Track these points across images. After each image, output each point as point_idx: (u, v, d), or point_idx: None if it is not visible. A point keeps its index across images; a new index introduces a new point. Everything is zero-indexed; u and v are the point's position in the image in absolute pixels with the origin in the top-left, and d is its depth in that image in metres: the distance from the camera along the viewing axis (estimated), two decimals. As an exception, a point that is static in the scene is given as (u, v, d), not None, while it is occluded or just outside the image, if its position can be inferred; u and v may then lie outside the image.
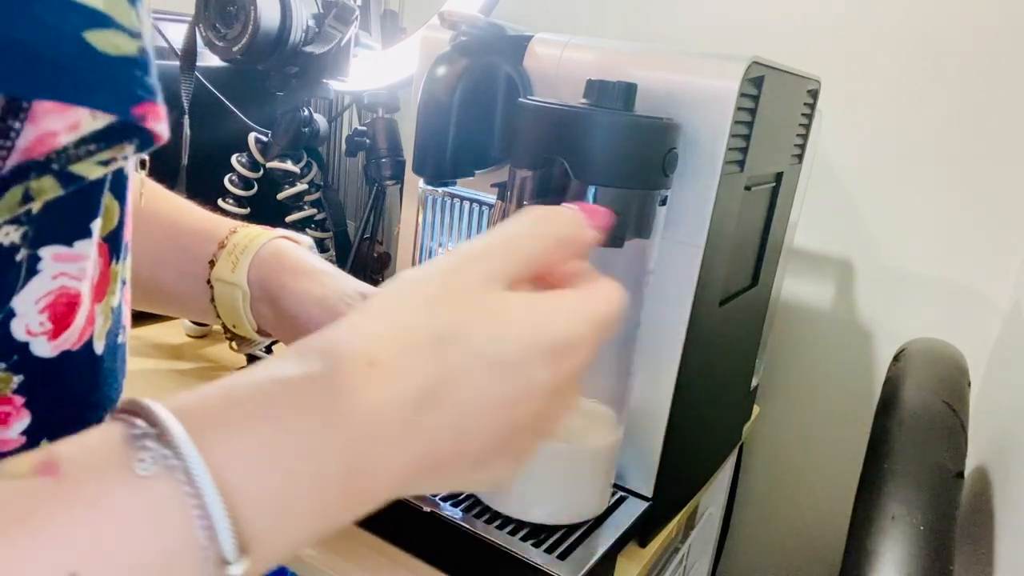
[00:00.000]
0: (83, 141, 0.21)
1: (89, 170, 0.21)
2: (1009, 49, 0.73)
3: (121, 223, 0.28)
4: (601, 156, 0.41)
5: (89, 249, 0.25)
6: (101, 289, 0.27)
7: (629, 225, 0.42)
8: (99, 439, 0.20)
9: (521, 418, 0.26)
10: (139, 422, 0.20)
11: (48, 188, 0.21)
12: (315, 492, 0.22)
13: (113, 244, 0.28)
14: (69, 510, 0.18)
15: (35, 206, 0.22)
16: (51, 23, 0.18)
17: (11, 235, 0.23)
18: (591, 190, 0.41)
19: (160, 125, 0.21)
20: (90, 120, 0.20)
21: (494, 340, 0.25)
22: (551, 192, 0.42)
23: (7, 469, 0.19)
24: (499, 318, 0.26)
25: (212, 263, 0.51)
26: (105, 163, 0.22)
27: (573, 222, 0.30)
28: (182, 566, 0.19)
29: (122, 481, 0.19)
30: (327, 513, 0.23)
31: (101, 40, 0.20)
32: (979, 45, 0.74)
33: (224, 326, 0.53)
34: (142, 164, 0.44)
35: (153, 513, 0.19)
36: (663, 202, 0.45)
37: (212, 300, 0.52)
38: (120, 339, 0.30)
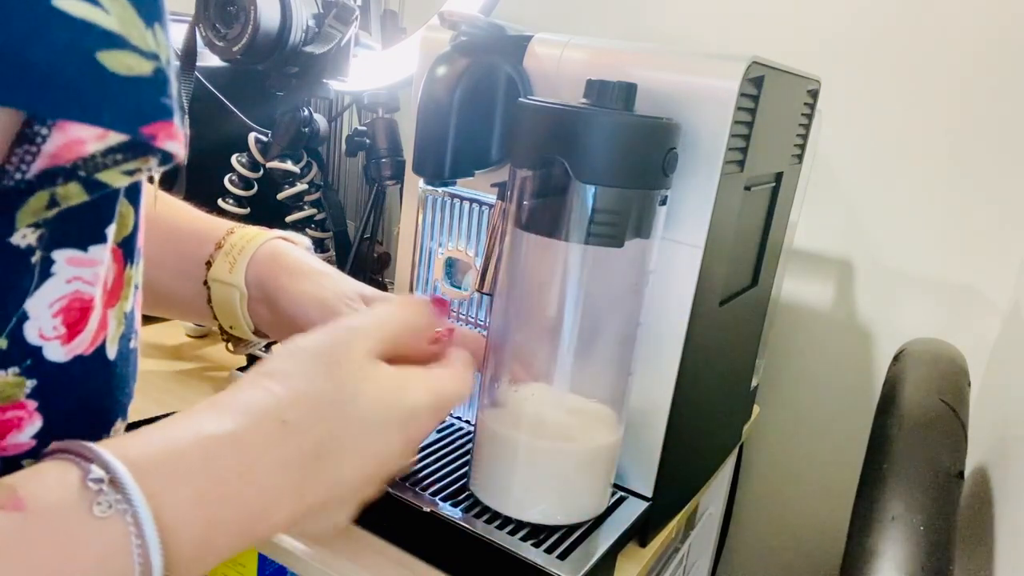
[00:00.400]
0: (111, 150, 0.21)
1: (115, 179, 0.22)
2: (1009, 49, 0.73)
3: (135, 229, 0.28)
4: (601, 156, 0.41)
5: (103, 254, 0.26)
6: (115, 294, 0.27)
7: (629, 225, 0.42)
8: (57, 479, 0.23)
9: (375, 471, 0.33)
10: (93, 468, 0.23)
11: (74, 194, 0.22)
12: (226, 534, 0.27)
13: (127, 249, 0.28)
14: (35, 546, 0.21)
15: (55, 211, 0.23)
16: (64, 42, 0.19)
17: (28, 237, 0.23)
18: (591, 190, 0.41)
19: (173, 144, 0.22)
20: (116, 132, 0.21)
21: (367, 406, 0.32)
22: (551, 192, 0.42)
23: None
24: (371, 388, 0.32)
25: (209, 264, 0.51)
26: (131, 173, 0.22)
27: (424, 313, 0.38)
28: None
29: (82, 522, 0.22)
30: (229, 548, 0.28)
31: (113, 60, 0.20)
32: (979, 45, 0.74)
33: (220, 327, 0.53)
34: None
35: (106, 551, 0.23)
36: (663, 202, 0.45)
37: (209, 301, 0.52)
38: (132, 344, 0.30)
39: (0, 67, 0.18)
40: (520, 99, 0.45)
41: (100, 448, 0.24)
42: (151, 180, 0.43)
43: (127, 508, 0.23)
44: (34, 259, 0.23)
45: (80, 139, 0.21)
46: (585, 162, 0.40)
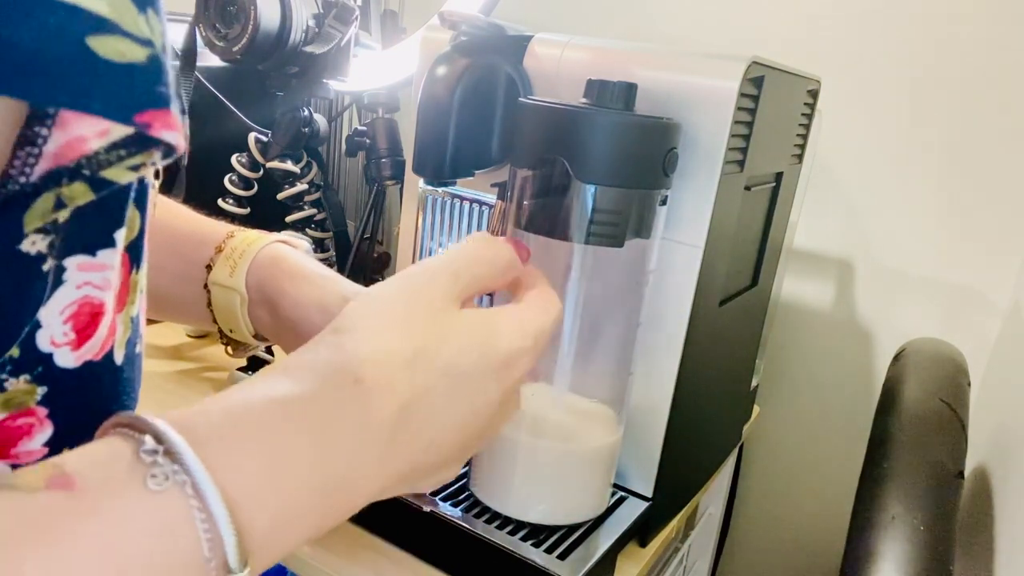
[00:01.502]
0: (114, 146, 0.21)
1: (120, 175, 0.22)
2: (1009, 49, 0.73)
3: (141, 233, 0.28)
4: (601, 156, 0.41)
5: (113, 259, 0.25)
6: (122, 299, 0.27)
7: (629, 225, 0.42)
8: (109, 454, 0.21)
9: (476, 426, 0.31)
10: (147, 439, 0.22)
11: (79, 194, 0.21)
12: (304, 505, 0.24)
13: (134, 254, 0.28)
14: (87, 524, 0.19)
15: (64, 214, 0.22)
16: (52, 27, 0.18)
17: (38, 244, 0.22)
18: (591, 190, 0.41)
19: (170, 133, 0.21)
20: (119, 126, 0.21)
21: (455, 357, 0.29)
22: (551, 192, 0.42)
23: (19, 481, 0.20)
24: (458, 337, 0.30)
25: (209, 267, 0.51)
26: (136, 168, 0.22)
27: (508, 251, 0.35)
28: (193, 573, 0.21)
29: (137, 497, 0.20)
30: (312, 523, 0.25)
31: (104, 46, 0.20)
32: (979, 45, 0.74)
33: (220, 331, 0.53)
34: (156, 174, 0.44)
35: (165, 526, 0.20)
36: (663, 202, 0.45)
37: (209, 305, 0.52)
38: (138, 348, 0.30)
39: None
40: (520, 99, 0.45)
41: (153, 418, 0.22)
42: (156, 175, 0.44)
43: (186, 479, 0.21)
44: (46, 267, 0.23)
45: (82, 136, 0.20)
46: (585, 162, 0.40)
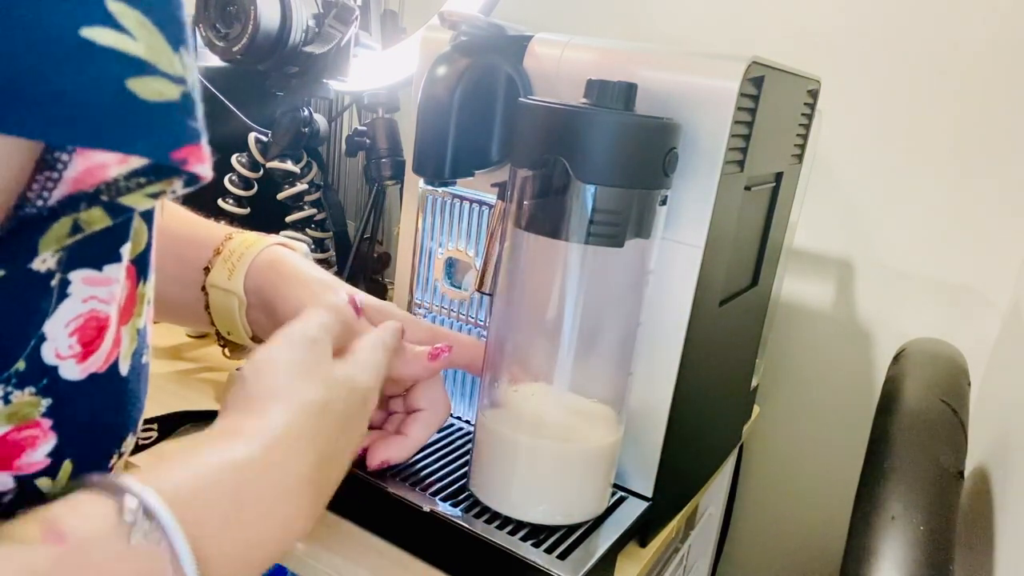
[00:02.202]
0: (134, 174, 0.21)
1: (139, 202, 0.22)
2: (1010, 48, 0.73)
3: (148, 246, 0.28)
4: (601, 156, 0.41)
5: (119, 273, 0.26)
6: (128, 311, 0.27)
7: (629, 225, 0.42)
8: (93, 510, 0.24)
9: (359, 444, 0.39)
10: (128, 498, 0.24)
11: (97, 219, 0.22)
12: (260, 548, 0.29)
13: (140, 266, 0.28)
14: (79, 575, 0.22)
15: (78, 237, 0.22)
16: (93, 73, 0.19)
17: (48, 261, 0.23)
18: (591, 190, 0.41)
19: (202, 167, 0.22)
20: (149, 159, 0.21)
21: (351, 395, 0.37)
22: (551, 192, 0.42)
23: (15, 533, 0.22)
24: (347, 381, 0.37)
25: (207, 270, 0.51)
26: (155, 196, 0.22)
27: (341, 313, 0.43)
28: None
29: (120, 552, 0.23)
30: (264, 563, 0.30)
31: (143, 87, 0.20)
32: (979, 45, 0.74)
33: (217, 332, 0.53)
34: None
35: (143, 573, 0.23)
36: (663, 202, 0.45)
37: (207, 307, 0.52)
38: (144, 359, 0.30)
39: (33, 100, 0.18)
40: (520, 99, 0.45)
41: (130, 481, 0.25)
42: None
43: (162, 536, 0.24)
44: (53, 282, 0.23)
45: (102, 164, 0.21)
46: (585, 162, 0.40)
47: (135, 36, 0.20)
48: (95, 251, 0.25)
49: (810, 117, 0.61)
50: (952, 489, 0.48)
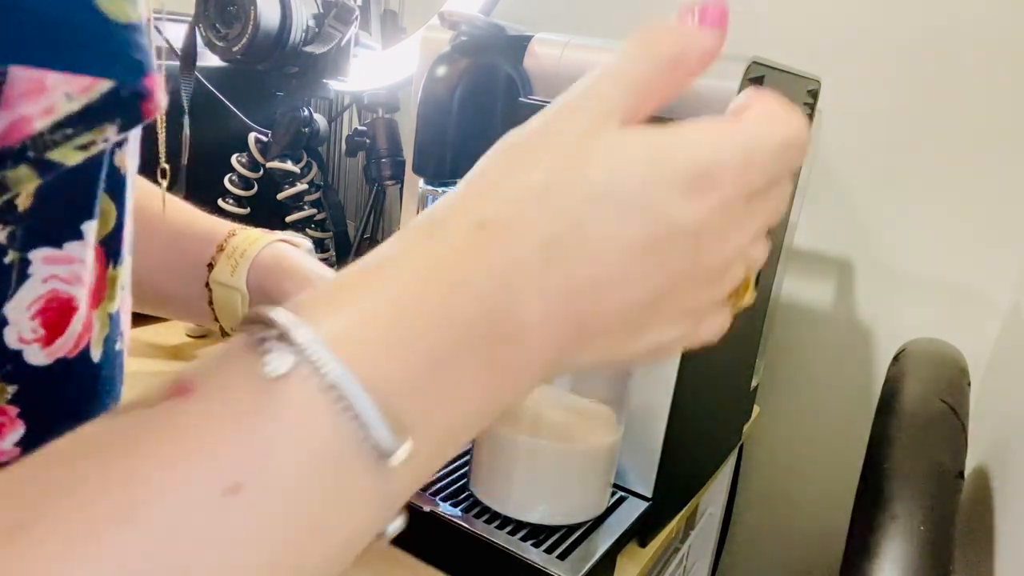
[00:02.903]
0: (58, 125, 0.19)
1: (67, 155, 0.20)
2: (1010, 49, 0.73)
3: (119, 226, 0.27)
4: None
5: (82, 252, 0.25)
6: (98, 294, 0.27)
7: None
8: (223, 351, 0.19)
9: (671, 263, 0.23)
10: (257, 328, 0.19)
11: (24, 177, 0.19)
12: (459, 363, 0.20)
13: (109, 248, 0.27)
14: (210, 425, 0.18)
15: (21, 202, 0.21)
16: None
17: None
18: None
19: (161, 95, 0.20)
20: (65, 103, 0.19)
21: (611, 176, 0.22)
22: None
23: (142, 400, 0.18)
24: (613, 154, 0.22)
25: (211, 266, 0.51)
26: (84, 147, 0.20)
27: (683, 34, 0.26)
28: (344, 462, 0.18)
29: (253, 388, 0.18)
30: (482, 388, 0.21)
31: (110, 6, 0.19)
32: (979, 45, 0.74)
33: (221, 329, 0.53)
34: (163, 173, 0.43)
35: (294, 414, 0.18)
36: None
37: (210, 303, 0.52)
38: (118, 346, 0.30)
39: (16, 24, 0.17)
40: (521, 99, 0.45)
41: (268, 307, 0.19)
42: (163, 175, 0.43)
43: (302, 359, 0.18)
44: (7, 259, 0.22)
45: (26, 116, 0.19)
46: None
47: None
48: (54, 228, 0.24)
49: (810, 117, 0.61)
50: (952, 489, 0.48)
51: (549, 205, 0.22)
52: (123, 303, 0.30)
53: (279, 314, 0.19)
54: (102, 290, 0.27)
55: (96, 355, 0.27)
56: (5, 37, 0.17)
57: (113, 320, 0.28)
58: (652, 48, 0.26)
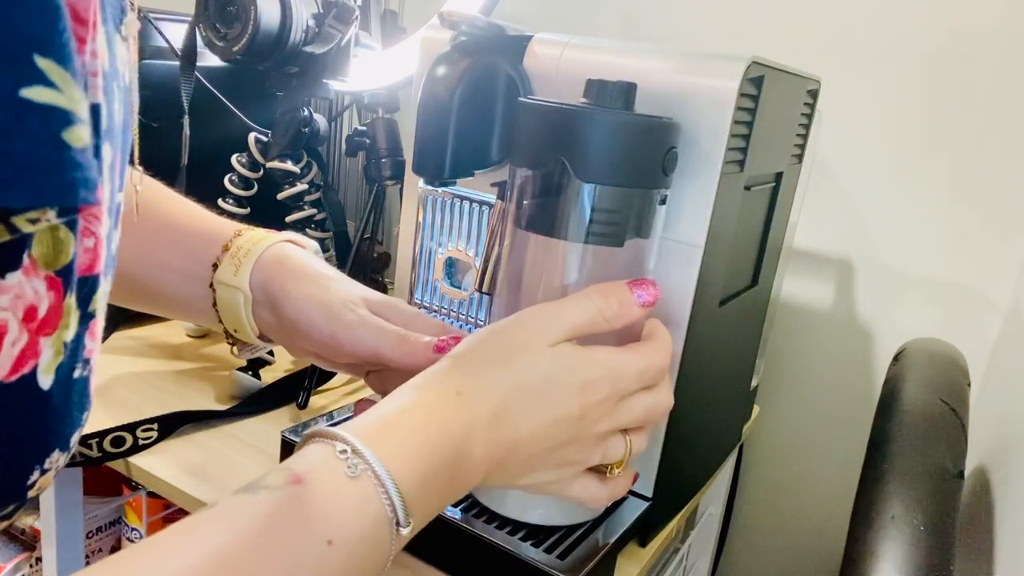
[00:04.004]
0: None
1: (23, 225, 0.22)
2: (1010, 49, 0.73)
3: (78, 257, 0.27)
4: (601, 155, 0.41)
5: (14, 279, 0.24)
6: (49, 322, 0.26)
7: (629, 224, 0.42)
8: (319, 457, 0.32)
9: (560, 433, 0.38)
10: (338, 443, 0.32)
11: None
12: (441, 480, 0.34)
13: (66, 279, 0.27)
14: (319, 504, 0.30)
15: None
16: (35, 130, 0.19)
17: None
18: (591, 188, 0.41)
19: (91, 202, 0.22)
20: (86, 206, 0.21)
21: (536, 378, 0.37)
22: (551, 191, 0.42)
23: (267, 482, 0.30)
24: (540, 364, 0.38)
25: (215, 266, 0.51)
26: (34, 221, 0.22)
27: (625, 304, 0.41)
28: (380, 530, 0.32)
29: (343, 483, 0.31)
30: (446, 494, 0.35)
31: (72, 137, 0.20)
32: (979, 45, 0.74)
33: (226, 330, 0.53)
34: (145, 177, 0.44)
35: (363, 499, 0.31)
36: (663, 201, 0.45)
37: (214, 304, 0.51)
38: (77, 374, 0.29)
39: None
40: (520, 98, 0.45)
41: (338, 430, 0.32)
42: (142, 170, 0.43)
43: (367, 467, 0.31)
44: None
45: None
46: (585, 161, 0.40)
47: (60, 89, 0.20)
48: None
49: (810, 117, 0.61)
50: (952, 489, 0.48)
51: (498, 390, 0.37)
52: (89, 331, 0.29)
53: (353, 438, 0.32)
54: (56, 319, 0.27)
55: (45, 382, 0.27)
56: None
57: (70, 348, 0.28)
58: (598, 306, 0.40)
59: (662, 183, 0.43)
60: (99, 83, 0.25)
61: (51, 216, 0.22)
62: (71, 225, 0.26)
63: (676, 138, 0.44)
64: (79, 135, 0.21)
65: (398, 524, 0.32)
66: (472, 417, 0.36)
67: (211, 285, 0.51)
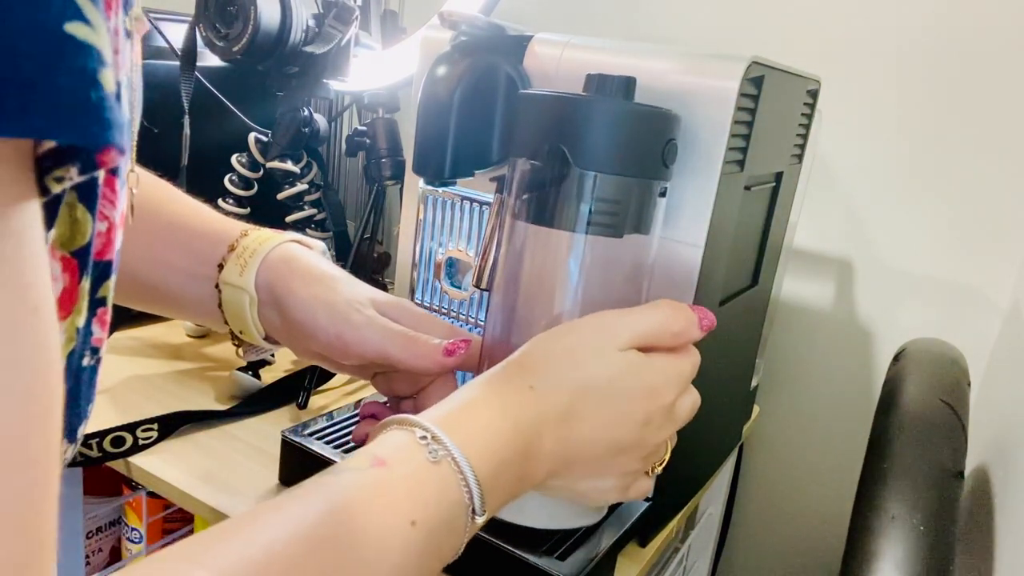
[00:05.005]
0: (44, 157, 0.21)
1: (52, 186, 0.21)
2: (1009, 49, 0.73)
3: (94, 240, 0.27)
4: (601, 143, 0.41)
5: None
6: (64, 306, 0.26)
7: (629, 216, 0.42)
8: (399, 441, 0.33)
9: (623, 435, 0.39)
10: (418, 430, 0.33)
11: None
12: (511, 471, 0.35)
13: (82, 260, 0.26)
14: (402, 486, 0.31)
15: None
16: (77, 67, 0.19)
17: None
18: (591, 178, 0.41)
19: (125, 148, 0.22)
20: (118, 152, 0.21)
21: (603, 380, 0.38)
22: (551, 182, 0.42)
23: (351, 464, 0.32)
24: (610, 368, 0.39)
25: (221, 266, 0.51)
26: (60, 180, 0.21)
27: (690, 322, 0.42)
28: (457, 515, 0.33)
29: (424, 467, 0.32)
30: (514, 487, 0.36)
31: (106, 80, 0.20)
32: (980, 45, 0.74)
33: (231, 332, 0.53)
34: (146, 178, 0.43)
35: (443, 484, 0.32)
36: (663, 193, 0.45)
37: (220, 305, 0.51)
38: (86, 362, 0.29)
39: (32, 99, 0.18)
40: (520, 91, 0.45)
41: (417, 417, 0.34)
42: (146, 179, 0.42)
43: (447, 453, 0.33)
44: None
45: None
46: (585, 149, 0.40)
47: (96, 28, 0.20)
48: None
49: (810, 117, 0.61)
50: (952, 489, 0.48)
51: (569, 388, 0.38)
52: (99, 319, 0.29)
53: (433, 426, 0.33)
54: (71, 303, 0.26)
55: None
56: (39, 111, 0.18)
57: (81, 334, 0.28)
58: (667, 320, 0.41)
59: (662, 174, 0.43)
60: (120, 61, 0.25)
61: (73, 173, 0.21)
62: (89, 202, 0.26)
63: (676, 129, 0.44)
64: (108, 78, 0.20)
65: (474, 512, 0.33)
66: (543, 413, 0.36)
67: (217, 285, 0.51)
